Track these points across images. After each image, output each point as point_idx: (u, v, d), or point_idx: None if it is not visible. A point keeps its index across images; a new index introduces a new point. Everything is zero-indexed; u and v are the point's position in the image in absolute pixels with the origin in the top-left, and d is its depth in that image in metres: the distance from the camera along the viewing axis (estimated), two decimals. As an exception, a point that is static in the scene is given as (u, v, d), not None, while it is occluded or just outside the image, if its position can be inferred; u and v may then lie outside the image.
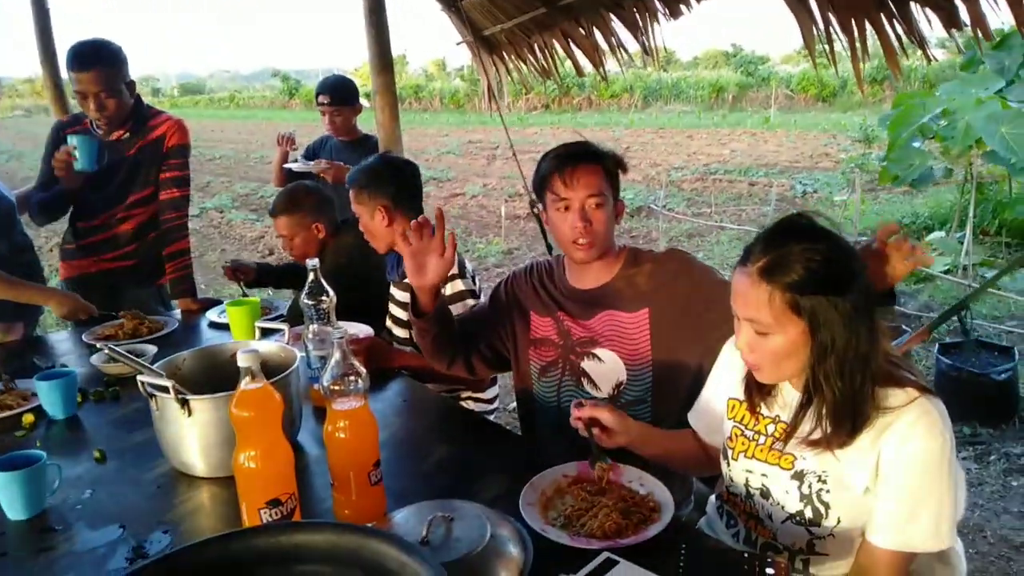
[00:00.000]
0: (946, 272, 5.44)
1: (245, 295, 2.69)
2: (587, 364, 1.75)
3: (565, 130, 20.42)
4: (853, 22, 2.55)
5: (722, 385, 1.46)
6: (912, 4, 2.38)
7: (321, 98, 3.33)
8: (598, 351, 1.73)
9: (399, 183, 2.23)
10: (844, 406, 1.18)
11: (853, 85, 22.79)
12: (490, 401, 2.39)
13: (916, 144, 5.97)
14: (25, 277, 2.43)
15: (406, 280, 2.21)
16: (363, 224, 2.24)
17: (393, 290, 2.35)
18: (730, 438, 1.40)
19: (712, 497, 1.54)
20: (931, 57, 2.56)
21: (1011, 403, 3.52)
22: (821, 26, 2.59)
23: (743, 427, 1.38)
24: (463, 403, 2.31)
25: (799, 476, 1.27)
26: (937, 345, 3.84)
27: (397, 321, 2.33)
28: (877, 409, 1.19)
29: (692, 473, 1.66)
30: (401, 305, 2.30)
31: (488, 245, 7.84)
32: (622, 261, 1.75)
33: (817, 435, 1.22)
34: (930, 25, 2.41)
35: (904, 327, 4.09)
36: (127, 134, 2.55)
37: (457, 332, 1.87)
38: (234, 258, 2.98)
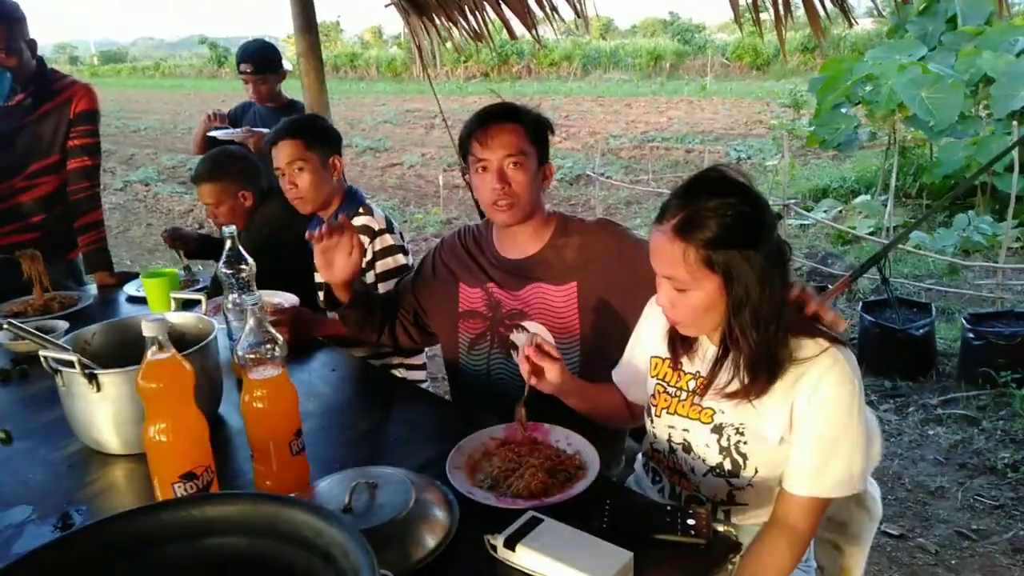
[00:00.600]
0: (871, 234, 5.63)
1: (188, 268, 2.59)
2: (515, 335, 1.74)
3: (504, 98, 20.28)
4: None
5: (645, 343, 1.47)
6: (834, -33, 2.41)
7: (243, 67, 3.18)
8: (527, 323, 1.72)
9: (340, 138, 2.25)
10: (760, 356, 1.21)
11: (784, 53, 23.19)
12: (421, 367, 2.37)
13: (843, 110, 6.13)
14: None
15: None
16: (314, 177, 2.14)
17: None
18: (653, 396, 1.41)
19: (640, 455, 1.56)
20: (852, 21, 2.60)
21: (929, 357, 3.69)
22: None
23: (665, 384, 1.39)
24: (395, 371, 2.28)
25: (718, 429, 1.30)
26: (861, 303, 3.99)
27: (320, 285, 2.28)
28: (790, 360, 1.22)
29: (617, 426, 1.66)
30: None
31: (427, 215, 7.76)
32: (552, 230, 1.72)
33: (735, 386, 1.25)
34: (852, -10, 2.45)
35: (830, 286, 4.23)
36: (28, 99, 2.39)
37: (380, 310, 1.85)
38: (174, 227, 2.83)
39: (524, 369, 1.39)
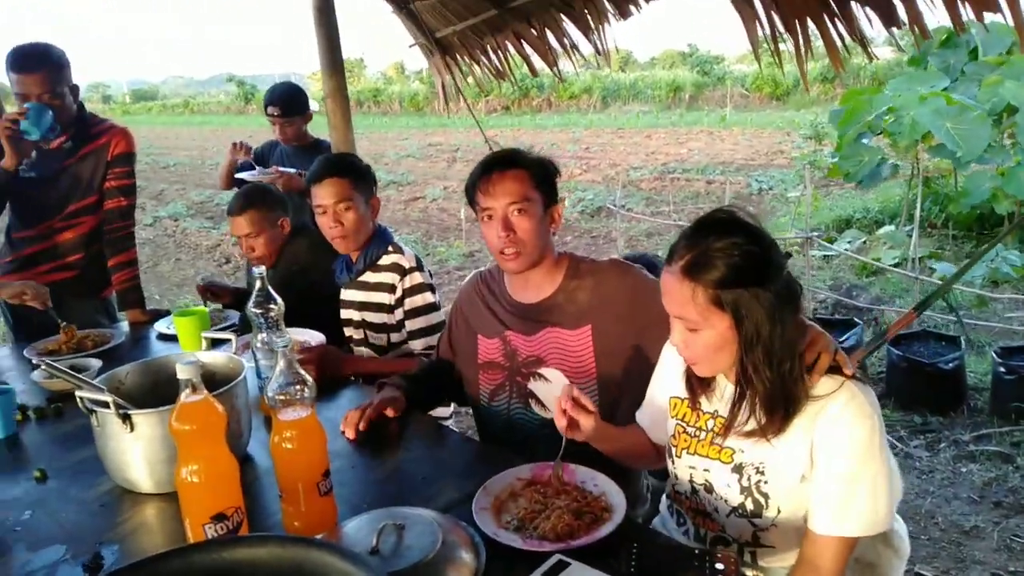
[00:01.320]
0: (895, 265, 5.58)
1: (219, 307, 2.61)
2: (533, 384, 1.75)
3: (525, 131, 20.48)
4: (797, 23, 2.60)
5: (664, 384, 1.48)
6: (853, 3, 2.44)
7: (270, 109, 3.25)
8: (544, 371, 1.73)
9: (375, 179, 2.30)
10: (775, 394, 1.21)
11: (804, 84, 23.19)
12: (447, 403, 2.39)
13: (865, 141, 6.12)
14: None
15: (359, 279, 2.21)
16: (358, 216, 2.17)
17: (344, 292, 2.32)
18: (673, 436, 1.41)
19: (664, 496, 1.55)
20: (872, 55, 2.62)
21: (960, 392, 3.63)
22: (767, 27, 2.64)
23: (685, 424, 1.39)
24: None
25: (738, 469, 1.29)
26: (888, 336, 3.94)
27: (348, 322, 2.32)
28: (808, 397, 1.22)
29: (644, 467, 1.66)
30: (351, 305, 2.28)
31: (449, 248, 7.81)
32: (563, 272, 1.73)
33: (752, 425, 1.25)
34: (871, 24, 2.47)
35: (856, 319, 4.19)
36: (69, 141, 2.47)
37: (437, 382, 1.93)
38: (209, 279, 2.74)
39: (560, 423, 1.38)
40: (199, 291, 2.64)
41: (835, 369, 1.23)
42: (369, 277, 2.23)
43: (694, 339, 1.23)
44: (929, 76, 6.01)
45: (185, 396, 1.15)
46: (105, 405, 1.39)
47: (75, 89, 2.44)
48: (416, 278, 2.18)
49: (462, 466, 1.56)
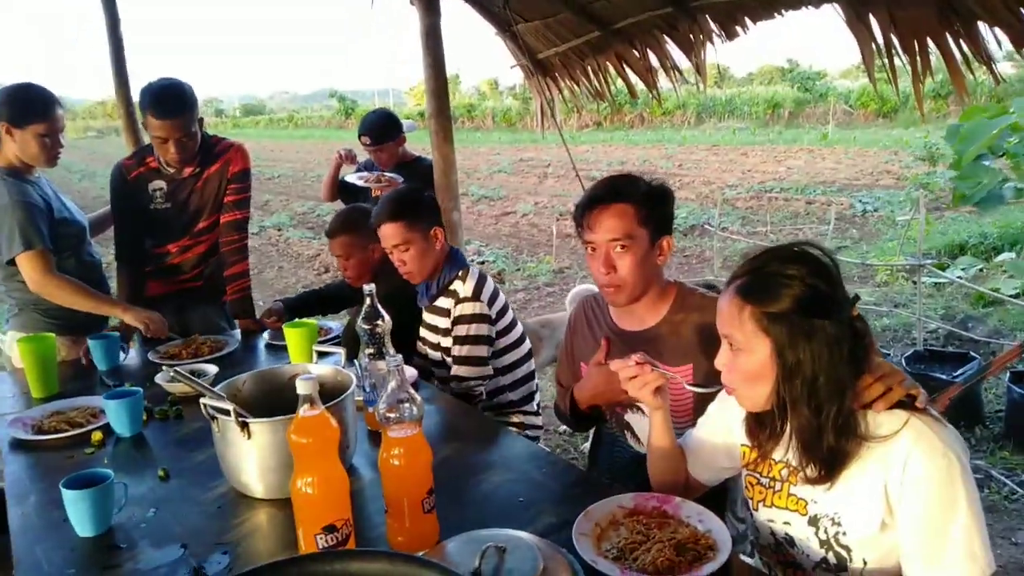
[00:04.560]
0: (1016, 296, 5.21)
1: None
2: (631, 417, 1.74)
3: (617, 147, 20.39)
4: (915, 42, 2.49)
5: (718, 423, 1.45)
6: (979, 23, 2.31)
7: (363, 139, 3.36)
8: (641, 404, 1.71)
9: (437, 206, 2.36)
10: (810, 436, 1.17)
11: (914, 100, 22.06)
12: (536, 414, 2.41)
13: (986, 162, 5.76)
14: None
15: (436, 303, 2.26)
16: (418, 253, 2.24)
17: (425, 315, 2.39)
18: (747, 488, 1.37)
19: (751, 546, 1.50)
20: (1000, 77, 2.48)
21: (1090, 435, 3.34)
22: (882, 45, 2.54)
23: (758, 475, 1.35)
24: (512, 416, 2.32)
25: (814, 521, 1.24)
26: (1009, 373, 3.68)
27: (427, 343, 2.38)
28: (869, 439, 1.16)
29: (668, 483, 1.56)
30: (432, 328, 2.34)
31: (539, 264, 7.84)
32: (670, 303, 1.70)
33: (811, 471, 1.20)
34: (999, 44, 2.34)
35: (972, 353, 3.93)
36: (197, 168, 2.64)
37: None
38: (274, 307, 2.80)
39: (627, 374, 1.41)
40: (265, 325, 2.70)
41: (907, 405, 1.17)
42: (440, 301, 2.30)
43: (735, 362, 1.23)
44: (1058, 94, 5.61)
45: (303, 410, 1.21)
46: (226, 412, 1.47)
47: (201, 121, 2.60)
48: (467, 308, 2.22)
49: (561, 491, 1.56)
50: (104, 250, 2.87)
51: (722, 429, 1.43)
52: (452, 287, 2.26)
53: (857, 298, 1.21)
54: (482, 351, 2.22)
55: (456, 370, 2.23)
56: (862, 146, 16.86)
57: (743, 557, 1.55)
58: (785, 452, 1.29)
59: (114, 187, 2.69)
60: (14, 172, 2.36)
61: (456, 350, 2.23)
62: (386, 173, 3.31)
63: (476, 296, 2.22)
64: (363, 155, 3.63)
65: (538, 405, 2.44)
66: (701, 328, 1.63)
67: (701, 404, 1.61)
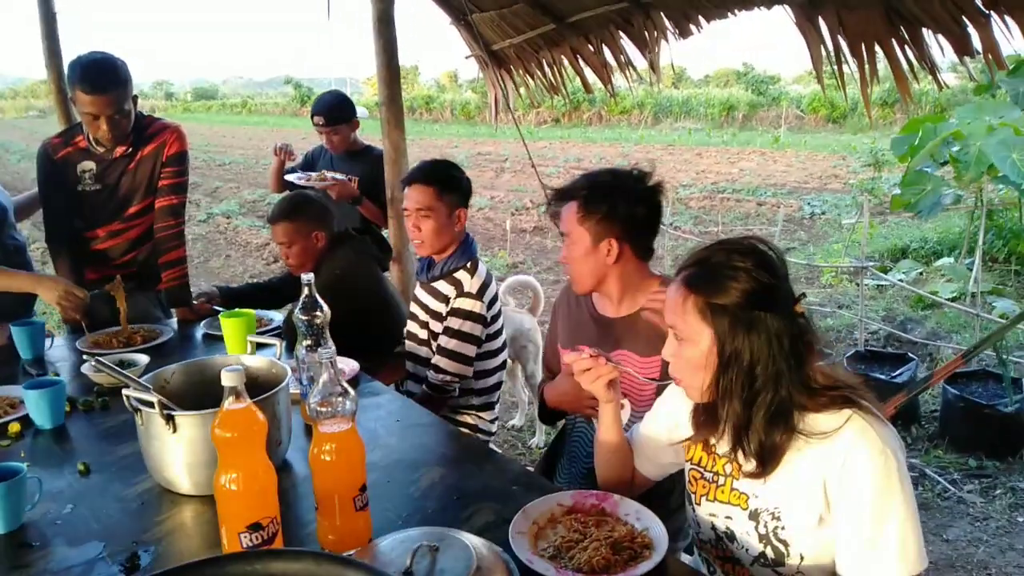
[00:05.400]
0: (953, 299, 5.38)
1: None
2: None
3: (574, 144, 20.45)
4: (863, 46, 2.53)
5: (663, 416, 1.45)
6: (924, 30, 2.36)
7: (316, 119, 3.28)
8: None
9: (470, 190, 2.30)
10: (741, 426, 1.18)
11: (863, 107, 22.77)
12: (492, 422, 2.38)
13: (928, 170, 5.93)
14: None
15: (434, 284, 2.22)
16: (437, 226, 2.19)
17: (418, 290, 2.35)
18: (690, 482, 1.37)
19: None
20: (942, 84, 2.53)
21: (1019, 436, 3.46)
22: (831, 49, 2.57)
23: (702, 469, 1.34)
24: (463, 414, 2.29)
25: (755, 515, 1.24)
26: (943, 374, 3.79)
27: (414, 317, 2.34)
28: (809, 436, 1.16)
29: (615, 486, 1.56)
30: (424, 307, 2.30)
31: (493, 259, 7.81)
32: (649, 293, 1.69)
33: (750, 465, 1.21)
34: (942, 52, 2.38)
35: (910, 354, 4.04)
36: (130, 149, 2.52)
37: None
38: (208, 292, 2.79)
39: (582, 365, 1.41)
40: (197, 309, 2.64)
41: (849, 401, 1.17)
42: (439, 284, 2.25)
43: (680, 351, 1.24)
44: (998, 106, 5.80)
45: (228, 403, 1.15)
46: (150, 405, 1.40)
47: (135, 99, 2.48)
48: (466, 303, 2.18)
49: (501, 488, 1.52)
50: (30, 233, 2.73)
51: (668, 423, 1.42)
52: (457, 275, 2.21)
53: (803, 295, 1.21)
54: (469, 350, 2.19)
55: (438, 360, 2.19)
56: (812, 150, 17.24)
57: (682, 555, 1.54)
58: (728, 446, 1.28)
59: (40, 167, 2.55)
60: None
61: (444, 341, 2.18)
62: (328, 173, 3.24)
63: (479, 295, 2.18)
64: (300, 148, 3.55)
65: (495, 416, 2.41)
66: None
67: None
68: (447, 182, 2.20)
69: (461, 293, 2.18)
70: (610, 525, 1.31)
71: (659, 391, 1.57)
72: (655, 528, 1.29)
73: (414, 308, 2.36)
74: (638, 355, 1.67)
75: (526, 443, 3.65)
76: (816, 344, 1.20)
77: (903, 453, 1.16)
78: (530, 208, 10.63)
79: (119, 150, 2.50)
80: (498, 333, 2.29)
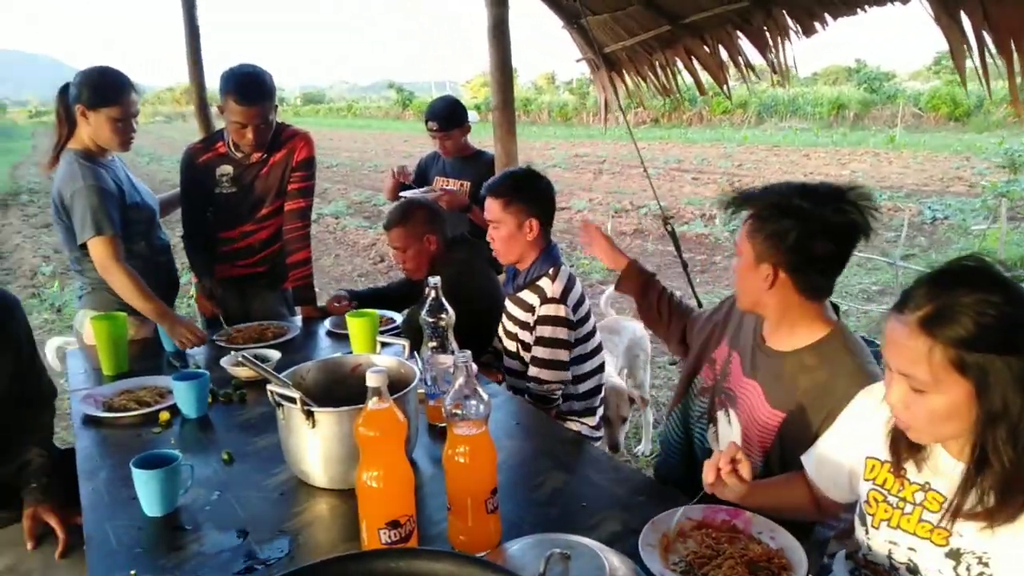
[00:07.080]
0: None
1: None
2: (720, 414, 1.69)
3: (674, 145, 20.11)
4: (1012, 41, 2.36)
5: (858, 440, 1.32)
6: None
7: (430, 124, 3.35)
8: (732, 413, 1.65)
9: (549, 198, 2.30)
10: (1015, 479, 1.06)
11: (989, 104, 21.19)
12: (597, 427, 2.36)
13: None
14: (162, 275, 2.59)
15: (520, 295, 2.24)
16: (506, 236, 2.23)
17: (508, 303, 2.36)
18: (868, 503, 1.27)
19: (841, 554, 1.42)
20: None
21: None
22: (975, 48, 2.41)
23: (886, 492, 1.25)
24: (567, 420, 2.29)
25: (955, 555, 1.14)
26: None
27: (508, 333, 2.36)
28: None
29: (795, 519, 1.46)
30: (513, 319, 2.31)
31: (592, 261, 7.76)
32: (818, 339, 1.54)
33: (978, 508, 1.09)
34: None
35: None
36: (264, 154, 2.67)
37: (660, 299, 2.11)
38: (336, 294, 2.84)
39: (708, 478, 1.30)
40: (331, 310, 2.72)
41: None
42: (524, 294, 2.27)
43: (918, 401, 1.09)
44: None
45: (372, 403, 1.19)
46: (292, 400, 1.47)
47: (276, 109, 2.63)
48: (551, 309, 2.18)
49: (624, 497, 1.51)
50: (171, 232, 2.92)
51: (859, 444, 1.31)
52: (539, 283, 2.23)
53: None
54: (563, 355, 2.19)
55: (535, 372, 2.20)
56: (932, 150, 16.25)
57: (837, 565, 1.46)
58: (925, 475, 1.19)
59: (184, 170, 2.76)
60: (89, 156, 2.41)
61: (537, 351, 2.19)
62: (438, 186, 3.33)
63: (563, 299, 2.19)
64: (402, 150, 3.63)
65: (600, 419, 2.40)
66: (822, 385, 1.50)
67: (781, 444, 1.55)
68: (514, 194, 2.21)
69: (545, 300, 2.18)
70: (743, 542, 1.27)
71: (785, 430, 1.51)
72: (792, 549, 1.24)
73: (504, 321, 2.37)
74: (766, 398, 1.57)
75: (632, 450, 3.60)
76: None
77: None
78: (630, 210, 10.51)
79: (255, 156, 2.66)
80: (589, 336, 2.27)
